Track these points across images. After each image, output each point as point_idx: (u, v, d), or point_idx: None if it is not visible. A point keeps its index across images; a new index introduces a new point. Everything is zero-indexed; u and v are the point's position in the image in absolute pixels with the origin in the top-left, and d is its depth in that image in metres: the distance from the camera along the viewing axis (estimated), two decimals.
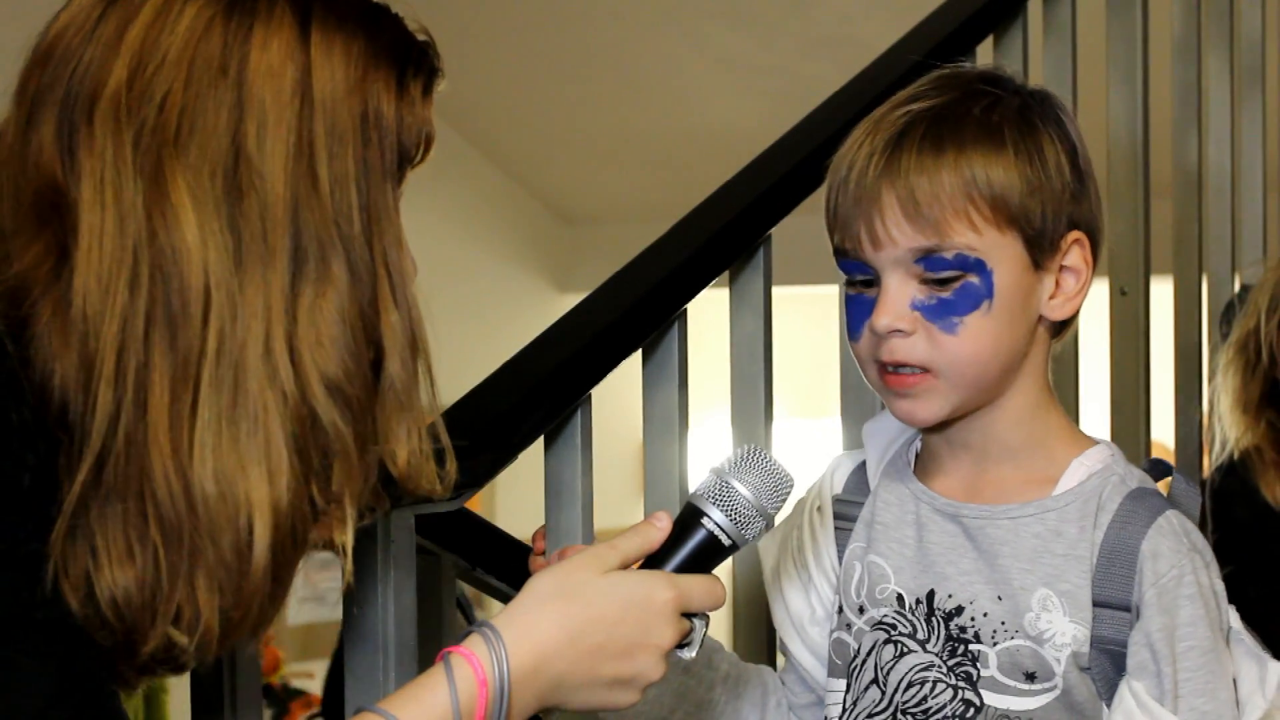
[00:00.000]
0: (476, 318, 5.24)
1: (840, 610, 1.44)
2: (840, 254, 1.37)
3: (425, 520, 1.48)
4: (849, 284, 1.38)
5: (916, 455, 1.46)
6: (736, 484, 1.26)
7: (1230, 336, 2.07)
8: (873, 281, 1.35)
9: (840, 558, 1.46)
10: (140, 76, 1.08)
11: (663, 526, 1.25)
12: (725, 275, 1.86)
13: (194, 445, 1.06)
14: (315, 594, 5.52)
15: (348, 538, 1.14)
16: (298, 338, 1.09)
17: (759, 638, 1.89)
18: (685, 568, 1.25)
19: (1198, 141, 2.81)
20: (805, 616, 1.49)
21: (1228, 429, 2.04)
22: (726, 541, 1.26)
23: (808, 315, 5.09)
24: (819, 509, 1.49)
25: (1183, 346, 2.72)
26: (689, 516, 1.27)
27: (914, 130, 1.34)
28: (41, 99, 1.10)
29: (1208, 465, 2.33)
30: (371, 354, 1.13)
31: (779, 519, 1.38)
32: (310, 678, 5.12)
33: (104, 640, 1.07)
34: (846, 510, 1.47)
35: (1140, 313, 2.48)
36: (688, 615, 1.23)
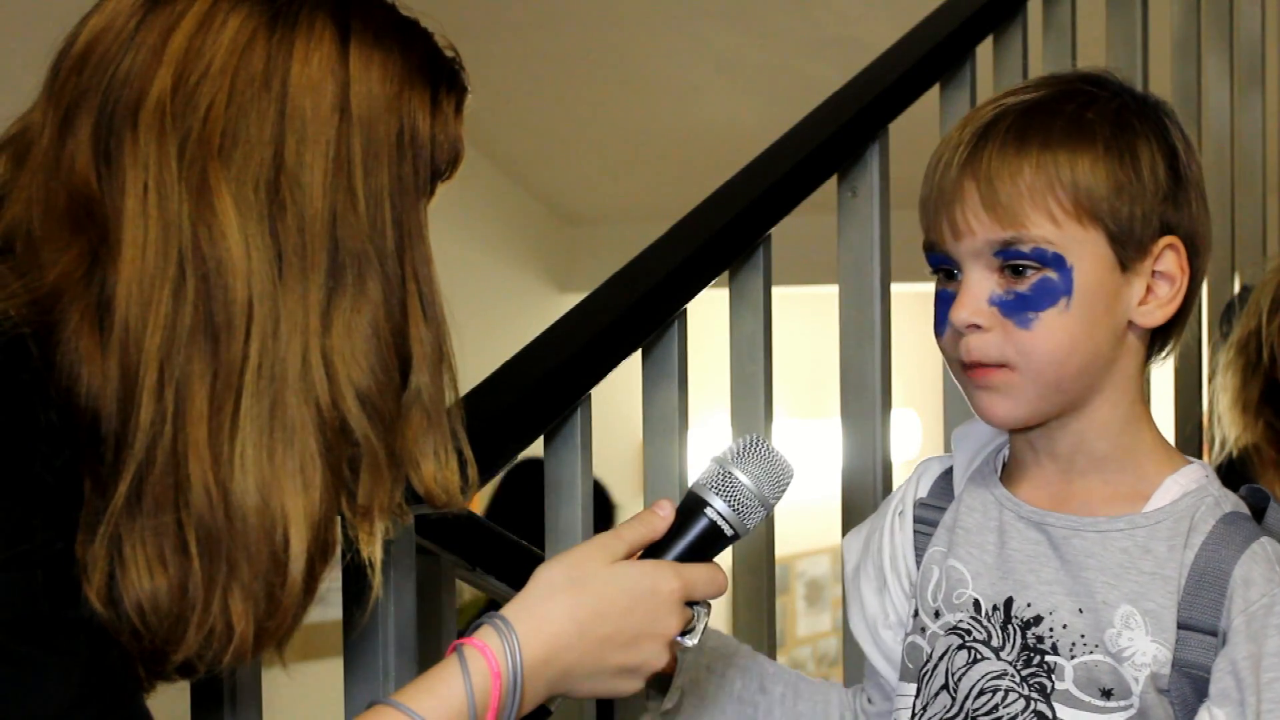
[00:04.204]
0: (476, 317, 5.22)
1: (916, 614, 1.42)
2: (927, 248, 1.36)
3: (425, 520, 1.48)
4: (936, 280, 1.37)
5: (1004, 463, 1.43)
6: (738, 473, 1.27)
7: (1230, 336, 2.07)
8: (955, 275, 1.34)
9: (918, 562, 1.44)
10: (184, 85, 1.08)
11: (665, 514, 1.27)
12: (725, 275, 1.86)
13: (234, 457, 1.07)
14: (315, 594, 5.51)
15: (376, 549, 1.15)
16: (333, 351, 1.10)
17: (758, 635, 1.89)
18: (687, 556, 1.26)
19: (1197, 141, 2.81)
20: (879, 619, 1.47)
21: (1226, 428, 2.04)
22: (728, 531, 1.27)
23: (808, 315, 5.09)
24: (901, 512, 1.48)
25: (1182, 346, 2.72)
26: (691, 505, 1.27)
27: (1001, 122, 1.32)
28: (77, 104, 1.09)
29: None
30: (399, 366, 1.14)
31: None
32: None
33: (128, 645, 1.07)
34: (928, 515, 1.45)
35: None
36: (690, 603, 1.25)
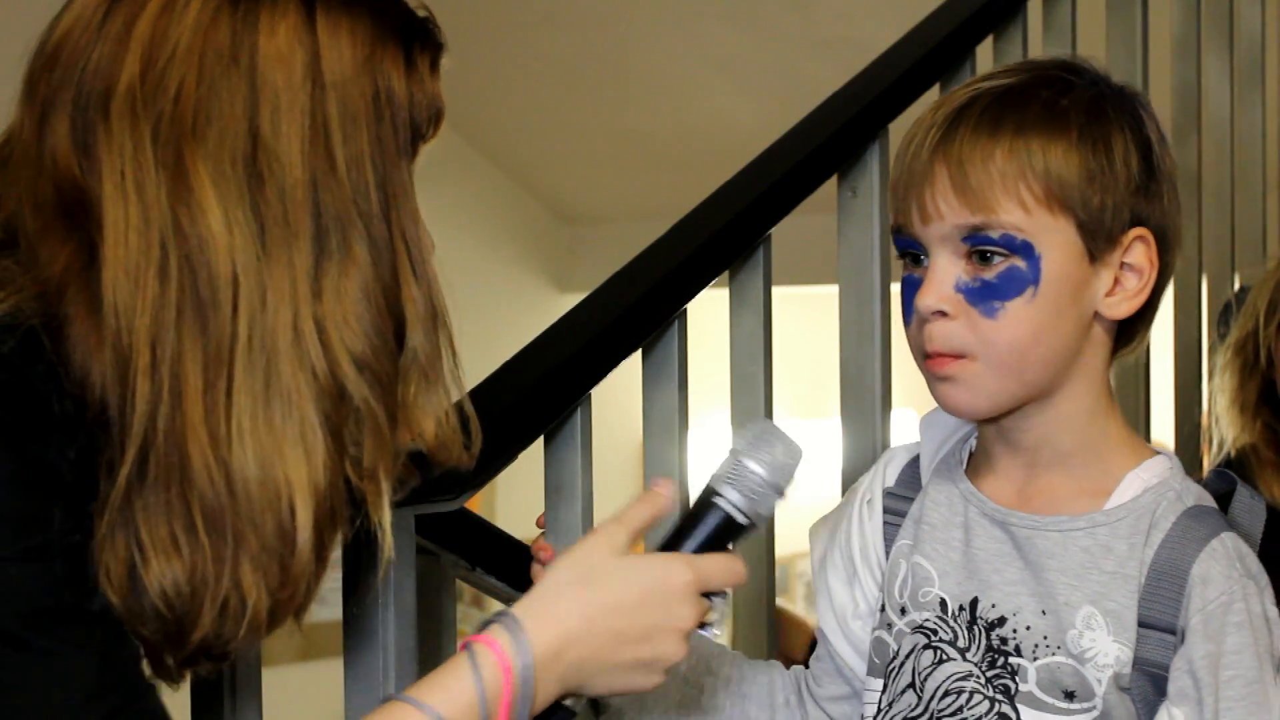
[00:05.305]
0: (476, 318, 5.22)
1: (883, 609, 1.41)
2: (895, 231, 1.35)
3: (425, 520, 1.48)
4: (903, 265, 1.35)
5: (970, 454, 1.42)
6: (748, 462, 1.27)
7: (1228, 338, 2.07)
8: (922, 261, 1.32)
9: (887, 553, 1.43)
10: (152, 70, 1.09)
11: (666, 493, 1.26)
12: (725, 275, 1.86)
13: (231, 431, 1.07)
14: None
15: (384, 513, 1.15)
16: (325, 318, 1.11)
17: (758, 635, 1.89)
18: (705, 549, 1.26)
19: (1197, 141, 2.81)
20: (848, 610, 1.46)
21: (1224, 428, 2.04)
22: (742, 520, 1.27)
23: (808, 315, 5.09)
24: (869, 501, 1.47)
25: (1182, 346, 2.72)
26: (705, 498, 1.28)
27: (975, 106, 1.31)
28: (53, 100, 1.10)
29: (1207, 464, 2.34)
30: (394, 328, 1.14)
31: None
32: None
33: (152, 634, 1.08)
34: (896, 505, 1.44)
35: None
36: (709, 594, 1.24)
